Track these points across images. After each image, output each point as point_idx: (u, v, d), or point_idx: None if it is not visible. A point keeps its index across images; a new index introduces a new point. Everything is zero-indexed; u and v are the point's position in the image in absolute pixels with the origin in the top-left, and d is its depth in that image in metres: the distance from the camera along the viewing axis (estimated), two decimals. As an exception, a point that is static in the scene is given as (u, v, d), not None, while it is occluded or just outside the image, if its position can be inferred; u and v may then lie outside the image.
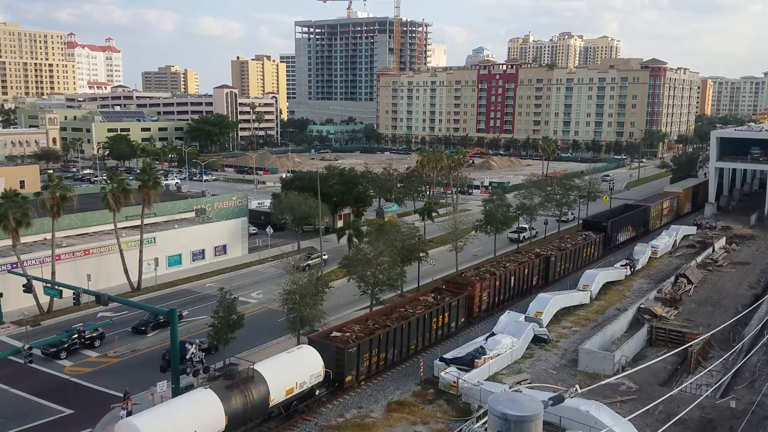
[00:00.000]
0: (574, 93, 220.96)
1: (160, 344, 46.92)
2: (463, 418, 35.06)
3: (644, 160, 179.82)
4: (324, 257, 69.74)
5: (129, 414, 29.59)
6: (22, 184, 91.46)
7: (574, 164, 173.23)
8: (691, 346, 42.68)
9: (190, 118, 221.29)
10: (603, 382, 33.20)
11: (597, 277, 58.91)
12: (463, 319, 49.24)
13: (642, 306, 53.00)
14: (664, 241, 76.17)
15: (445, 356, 41.64)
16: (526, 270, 58.12)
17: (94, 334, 47.53)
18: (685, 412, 31.64)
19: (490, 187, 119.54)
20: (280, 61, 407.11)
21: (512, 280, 55.79)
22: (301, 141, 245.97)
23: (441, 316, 46.51)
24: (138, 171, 62.48)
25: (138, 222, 63.65)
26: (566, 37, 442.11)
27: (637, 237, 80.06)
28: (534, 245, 72.21)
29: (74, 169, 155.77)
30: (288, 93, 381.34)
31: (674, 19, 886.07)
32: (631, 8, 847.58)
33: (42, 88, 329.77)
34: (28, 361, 36.72)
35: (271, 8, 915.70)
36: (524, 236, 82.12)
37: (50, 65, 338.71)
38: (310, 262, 67.04)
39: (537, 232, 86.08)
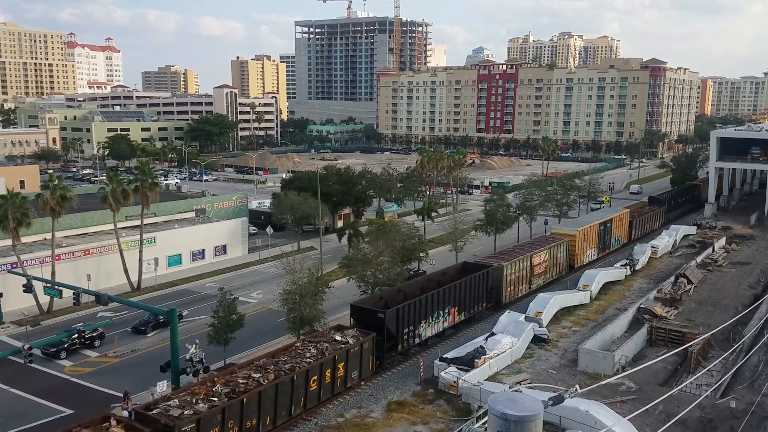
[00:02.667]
0: (574, 93, 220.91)
1: (160, 344, 46.93)
2: (463, 418, 35.05)
3: (644, 160, 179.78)
4: None
5: (130, 414, 29.52)
6: (22, 184, 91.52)
7: (574, 164, 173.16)
8: (691, 346, 42.66)
9: (190, 118, 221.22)
10: (603, 382, 33.23)
11: (597, 277, 58.94)
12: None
13: (642, 306, 52.99)
14: (664, 241, 76.18)
15: (445, 356, 41.65)
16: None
17: (94, 334, 47.54)
18: (685, 412, 31.63)
19: (490, 187, 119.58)
20: (280, 61, 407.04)
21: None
22: (301, 141, 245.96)
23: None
24: (136, 171, 62.29)
25: (138, 222, 63.65)
26: (566, 37, 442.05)
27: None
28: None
29: (74, 169, 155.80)
30: (288, 93, 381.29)
31: (675, 19, 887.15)
32: (632, 8, 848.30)
33: (42, 88, 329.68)
34: (28, 361, 36.77)
35: (272, 8, 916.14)
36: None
37: (50, 65, 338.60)
38: None
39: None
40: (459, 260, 66.20)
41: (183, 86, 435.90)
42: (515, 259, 55.11)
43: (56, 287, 47.29)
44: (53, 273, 54.62)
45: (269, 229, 76.71)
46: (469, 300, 49.09)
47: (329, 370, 35.76)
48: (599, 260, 69.27)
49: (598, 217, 72.82)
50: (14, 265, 53.41)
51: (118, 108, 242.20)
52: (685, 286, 59.90)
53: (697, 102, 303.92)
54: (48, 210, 55.60)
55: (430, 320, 45.12)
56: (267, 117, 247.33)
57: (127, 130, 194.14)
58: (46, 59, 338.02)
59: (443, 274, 51.54)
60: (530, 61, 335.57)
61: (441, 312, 46.22)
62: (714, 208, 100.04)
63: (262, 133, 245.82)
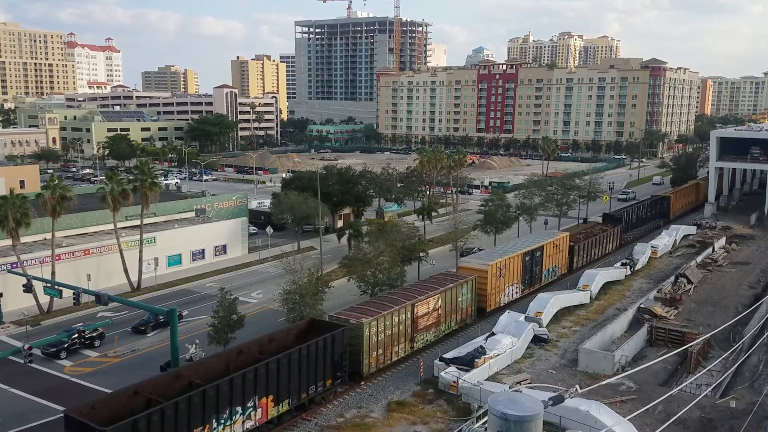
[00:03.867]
0: (574, 93, 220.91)
1: (160, 344, 46.94)
2: (463, 418, 35.05)
3: (644, 159, 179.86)
4: None
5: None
6: (22, 184, 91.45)
7: (574, 164, 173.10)
8: (691, 346, 42.67)
9: (190, 118, 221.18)
10: (603, 382, 33.22)
11: (597, 277, 58.96)
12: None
13: (642, 306, 53.00)
14: (664, 241, 76.25)
15: (445, 356, 41.64)
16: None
17: (94, 334, 47.52)
18: (684, 411, 31.64)
19: (490, 187, 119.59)
20: (280, 61, 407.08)
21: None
22: (301, 141, 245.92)
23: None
24: (136, 171, 62.27)
25: (138, 222, 63.65)
26: (566, 37, 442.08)
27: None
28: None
29: (74, 169, 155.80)
30: (288, 93, 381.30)
31: (675, 18, 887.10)
32: (632, 8, 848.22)
33: (42, 88, 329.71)
34: (28, 361, 36.75)
35: (272, 8, 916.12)
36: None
37: (50, 65, 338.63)
38: None
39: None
40: (459, 261, 66.20)
41: (183, 86, 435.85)
42: (386, 312, 41.01)
43: (56, 287, 47.28)
44: (53, 273, 54.61)
45: (269, 229, 76.70)
46: (298, 380, 34.59)
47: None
48: (525, 298, 56.28)
49: (523, 245, 59.03)
50: (14, 265, 53.41)
51: (118, 108, 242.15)
52: (685, 286, 59.91)
53: (697, 102, 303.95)
54: (48, 210, 55.60)
55: (215, 425, 29.91)
56: (267, 117, 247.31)
57: (127, 130, 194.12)
58: (46, 59, 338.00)
59: (270, 340, 36.72)
60: (530, 61, 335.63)
61: (237, 410, 31.02)
62: (714, 208, 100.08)
63: (262, 133, 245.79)
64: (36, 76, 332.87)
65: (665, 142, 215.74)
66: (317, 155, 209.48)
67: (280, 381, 33.34)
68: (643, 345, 47.53)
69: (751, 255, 74.85)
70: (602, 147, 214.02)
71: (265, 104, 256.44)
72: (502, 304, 53.44)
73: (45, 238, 60.65)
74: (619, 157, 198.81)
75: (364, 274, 50.71)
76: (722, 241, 78.64)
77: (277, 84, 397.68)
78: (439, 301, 46.02)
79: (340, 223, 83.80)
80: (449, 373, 38.93)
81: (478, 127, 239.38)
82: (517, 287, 56.27)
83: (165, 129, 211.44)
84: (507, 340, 43.58)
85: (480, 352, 41.56)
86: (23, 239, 56.28)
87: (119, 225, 62.04)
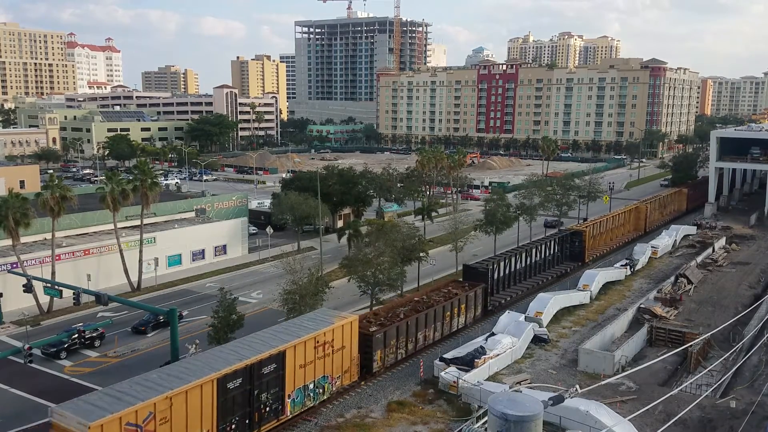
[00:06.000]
0: (574, 93, 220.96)
1: (160, 344, 46.93)
2: (463, 418, 35.05)
3: (644, 160, 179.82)
4: None
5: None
6: (22, 184, 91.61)
7: (574, 164, 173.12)
8: (691, 346, 42.67)
9: (190, 118, 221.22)
10: (603, 382, 33.23)
11: (597, 277, 58.96)
12: None
13: (642, 306, 53.00)
14: (664, 241, 76.27)
15: (445, 356, 41.64)
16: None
17: (94, 334, 47.51)
18: (684, 411, 31.64)
19: (490, 187, 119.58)
20: (280, 61, 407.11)
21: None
22: (301, 141, 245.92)
23: None
24: (136, 171, 62.26)
25: (138, 222, 63.65)
26: (566, 37, 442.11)
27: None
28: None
29: (74, 169, 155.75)
30: (288, 93, 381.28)
31: (675, 18, 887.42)
32: (633, 8, 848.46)
33: (42, 88, 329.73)
34: (28, 361, 36.71)
35: (272, 8, 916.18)
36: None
37: (50, 65, 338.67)
38: None
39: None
40: (459, 260, 66.24)
41: (183, 86, 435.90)
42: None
43: (56, 287, 47.26)
44: (53, 273, 54.62)
45: (269, 229, 76.71)
46: None
47: None
48: None
49: (231, 357, 32.59)
50: (14, 265, 53.40)
51: (118, 108, 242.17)
52: (685, 286, 59.91)
53: (697, 102, 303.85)
54: (48, 210, 55.60)
55: None
56: (267, 117, 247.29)
57: (127, 130, 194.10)
58: (46, 59, 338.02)
59: None
60: (530, 61, 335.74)
61: None
62: (714, 208, 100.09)
63: (262, 133, 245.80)
64: (36, 76, 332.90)
65: (665, 142, 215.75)
66: (317, 155, 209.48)
67: None
68: (643, 345, 47.54)
69: (751, 255, 74.84)
70: (602, 147, 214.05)
71: (265, 104, 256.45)
72: None
73: (45, 238, 60.64)
74: (619, 157, 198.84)
75: (364, 274, 50.70)
76: (722, 242, 78.64)
77: (277, 84, 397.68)
78: None
79: (340, 223, 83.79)
80: (449, 373, 38.93)
81: (478, 127, 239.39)
82: None
83: (165, 129, 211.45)
84: (507, 340, 43.58)
85: (480, 352, 41.56)
86: (23, 239, 56.27)
87: (119, 225, 62.04)
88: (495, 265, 55.01)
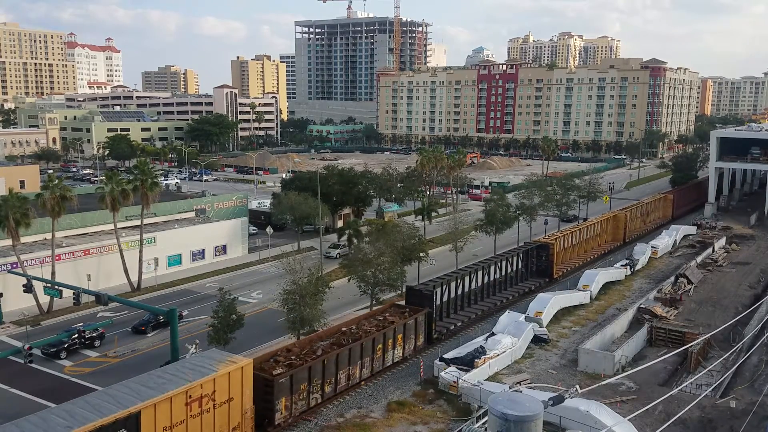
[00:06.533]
0: (574, 93, 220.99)
1: (160, 344, 46.93)
2: (463, 418, 35.05)
3: (644, 160, 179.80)
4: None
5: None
6: (22, 184, 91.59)
7: (574, 164, 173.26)
8: (691, 346, 42.67)
9: (190, 118, 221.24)
10: (603, 382, 33.20)
11: (597, 277, 58.95)
12: None
13: (642, 306, 53.00)
14: (664, 241, 76.24)
15: (445, 356, 41.64)
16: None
17: (94, 334, 47.52)
18: (684, 411, 31.63)
19: (490, 187, 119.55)
20: (280, 61, 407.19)
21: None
22: (301, 141, 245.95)
23: None
24: (136, 171, 62.24)
25: (138, 222, 63.64)
26: (566, 37, 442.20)
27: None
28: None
29: (74, 169, 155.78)
30: (288, 93, 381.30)
31: (675, 19, 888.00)
32: (633, 8, 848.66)
33: (42, 88, 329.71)
34: (28, 361, 36.72)
35: (272, 8, 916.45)
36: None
37: (50, 65, 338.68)
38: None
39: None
40: (459, 260, 66.26)
41: (183, 86, 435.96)
42: None
43: (56, 287, 47.25)
44: (53, 273, 54.62)
45: (269, 229, 76.70)
46: None
47: None
48: None
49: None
50: (14, 265, 53.40)
51: (118, 108, 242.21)
52: (685, 286, 59.91)
53: (697, 102, 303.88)
54: (48, 210, 55.59)
55: None
56: (267, 117, 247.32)
57: (127, 130, 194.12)
58: (46, 59, 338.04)
59: None
60: (530, 61, 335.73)
61: None
62: (714, 208, 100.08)
63: (262, 133, 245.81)
64: (36, 76, 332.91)
65: (665, 142, 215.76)
66: (317, 155, 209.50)
67: None
68: (643, 345, 47.54)
69: (751, 255, 74.83)
70: (602, 147, 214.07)
71: (265, 104, 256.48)
72: None
73: (45, 238, 60.63)
74: (619, 157, 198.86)
75: (364, 274, 50.70)
76: (722, 242, 78.63)
77: (277, 84, 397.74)
78: None
79: (340, 223, 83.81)
80: (449, 373, 38.93)
81: (478, 127, 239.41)
82: None
83: (165, 129, 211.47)
84: (507, 340, 43.58)
85: (480, 352, 41.57)
86: (23, 239, 56.27)
87: (119, 225, 62.03)
88: (444, 286, 48.68)
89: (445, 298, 48.77)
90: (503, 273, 56.66)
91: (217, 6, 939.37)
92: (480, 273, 53.37)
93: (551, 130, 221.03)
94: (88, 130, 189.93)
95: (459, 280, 50.70)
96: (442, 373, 39.30)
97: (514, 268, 58.30)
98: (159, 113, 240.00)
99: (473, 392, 36.39)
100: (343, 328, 41.15)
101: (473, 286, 52.38)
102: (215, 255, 72.83)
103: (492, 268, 55.24)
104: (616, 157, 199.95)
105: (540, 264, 61.50)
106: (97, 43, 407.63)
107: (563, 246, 64.79)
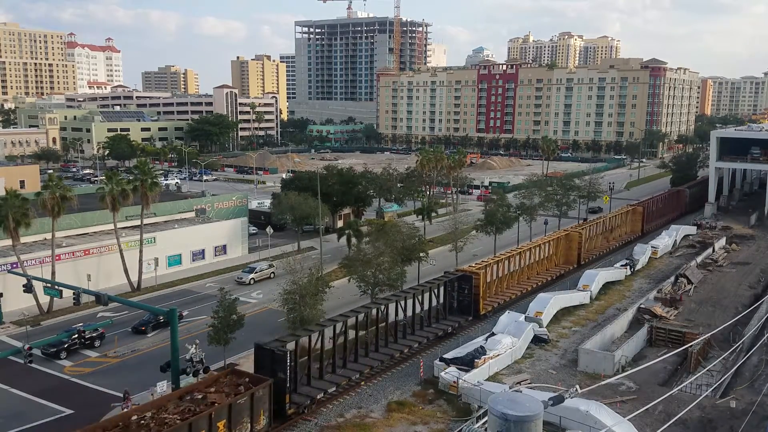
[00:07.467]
0: (574, 93, 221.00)
1: (160, 344, 46.93)
2: (463, 418, 35.05)
3: (644, 160, 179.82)
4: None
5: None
6: (22, 184, 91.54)
7: (574, 164, 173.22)
8: (691, 346, 42.67)
9: (190, 118, 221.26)
10: (603, 382, 33.22)
11: (597, 277, 58.95)
12: None
13: (642, 306, 52.99)
14: (664, 241, 76.22)
15: (445, 356, 41.63)
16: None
17: (94, 334, 47.51)
18: (684, 411, 31.64)
19: (490, 187, 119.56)
20: (280, 61, 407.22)
21: None
22: (301, 141, 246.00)
23: None
24: (136, 170, 62.26)
25: (138, 222, 63.64)
26: (566, 37, 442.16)
27: None
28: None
29: (74, 169, 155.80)
30: (288, 93, 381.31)
31: (675, 19, 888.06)
32: (633, 8, 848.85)
33: (42, 88, 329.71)
34: (28, 361, 36.72)
35: (272, 8, 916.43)
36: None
37: (50, 65, 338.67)
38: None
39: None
40: (459, 260, 66.21)
41: (183, 86, 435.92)
42: None
43: (56, 287, 47.24)
44: (53, 273, 54.60)
45: (269, 229, 76.70)
46: None
47: None
48: None
49: None
50: (14, 265, 53.39)
51: (118, 108, 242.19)
52: (685, 286, 59.90)
53: (697, 102, 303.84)
54: (48, 210, 55.58)
55: None
56: (267, 117, 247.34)
57: (127, 130, 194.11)
58: (46, 59, 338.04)
59: None
60: (530, 61, 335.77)
61: None
62: (714, 208, 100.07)
63: (262, 133, 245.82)
64: (36, 76, 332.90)
65: (665, 142, 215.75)
66: (317, 155, 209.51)
67: None
68: (643, 345, 47.54)
69: (751, 255, 74.82)
70: (602, 147, 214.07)
71: (265, 104, 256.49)
72: None
73: (45, 238, 60.62)
74: (619, 157, 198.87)
75: (364, 274, 50.70)
76: (722, 242, 78.61)
77: (277, 84, 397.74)
78: None
79: (340, 223, 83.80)
80: (449, 374, 38.93)
81: (478, 128, 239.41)
82: None
83: (165, 129, 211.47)
84: (507, 341, 43.57)
85: (480, 352, 41.56)
86: (23, 239, 56.28)
87: (119, 225, 62.03)
88: (317, 338, 36.63)
89: (315, 353, 36.63)
90: (411, 313, 45.18)
91: (217, 6, 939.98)
92: (376, 313, 41.70)
93: (551, 130, 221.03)
94: (88, 130, 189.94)
95: (341, 327, 38.61)
96: (442, 373, 39.30)
97: (427, 306, 46.94)
98: (159, 113, 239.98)
99: (473, 392, 36.39)
100: (134, 416, 28.84)
101: (364, 332, 40.69)
102: (215, 255, 72.82)
103: (396, 306, 43.32)
104: (616, 157, 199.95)
105: (462, 298, 50.42)
106: (97, 43, 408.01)
107: (495, 275, 54.63)
